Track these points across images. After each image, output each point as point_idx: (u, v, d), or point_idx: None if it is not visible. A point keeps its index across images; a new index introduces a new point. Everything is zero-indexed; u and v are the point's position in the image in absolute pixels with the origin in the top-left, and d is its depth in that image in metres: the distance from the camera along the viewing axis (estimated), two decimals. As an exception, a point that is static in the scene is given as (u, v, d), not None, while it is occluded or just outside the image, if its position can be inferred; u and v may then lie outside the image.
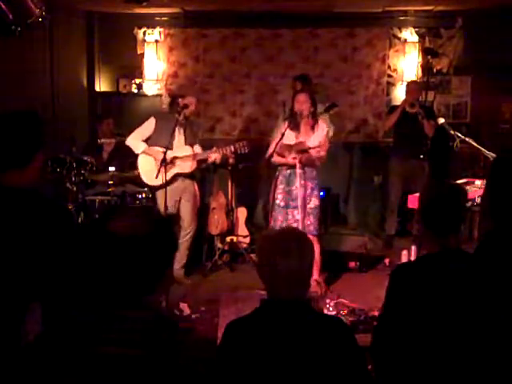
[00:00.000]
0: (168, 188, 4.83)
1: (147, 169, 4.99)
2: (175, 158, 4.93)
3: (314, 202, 4.79)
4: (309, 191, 4.77)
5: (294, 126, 4.76)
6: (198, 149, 5.12)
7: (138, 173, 5.07)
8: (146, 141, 5.04)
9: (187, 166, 4.99)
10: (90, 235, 1.39)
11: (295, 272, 1.85)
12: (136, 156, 5.07)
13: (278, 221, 4.80)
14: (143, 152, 4.99)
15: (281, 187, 4.81)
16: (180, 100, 5.01)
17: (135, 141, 5.03)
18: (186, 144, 5.01)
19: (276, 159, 4.87)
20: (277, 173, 4.88)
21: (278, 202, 4.82)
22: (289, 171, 4.75)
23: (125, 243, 1.33)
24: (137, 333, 1.29)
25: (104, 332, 1.30)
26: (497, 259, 1.82)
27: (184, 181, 5.06)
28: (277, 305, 1.87)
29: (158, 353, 1.28)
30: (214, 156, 5.06)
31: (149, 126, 5.03)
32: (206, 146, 5.19)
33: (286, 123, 4.86)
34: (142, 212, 1.46)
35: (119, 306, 1.33)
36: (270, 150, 4.83)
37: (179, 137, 4.95)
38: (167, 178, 4.82)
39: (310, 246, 1.96)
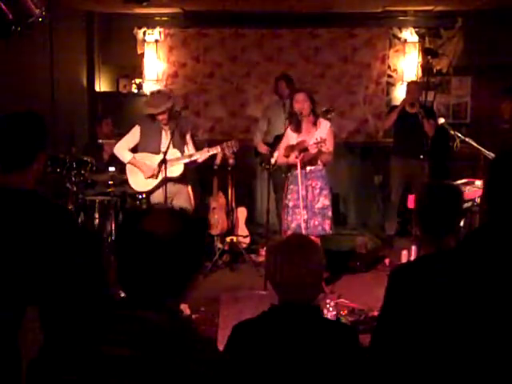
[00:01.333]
0: (159, 191, 4.80)
1: (135, 177, 4.95)
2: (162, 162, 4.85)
3: (322, 202, 4.75)
4: (317, 191, 4.75)
5: (296, 127, 4.78)
6: (189, 149, 4.99)
7: (127, 179, 5.04)
8: (135, 148, 4.97)
9: (176, 170, 4.87)
10: (123, 234, 1.38)
11: (302, 277, 1.86)
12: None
13: (286, 220, 4.82)
14: (129, 163, 4.94)
15: (290, 187, 4.84)
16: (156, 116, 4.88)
17: (122, 151, 4.95)
18: (173, 147, 4.85)
19: (280, 160, 4.90)
20: (288, 173, 4.90)
21: (287, 201, 4.84)
22: (296, 171, 4.75)
23: (158, 243, 1.32)
24: (148, 334, 1.29)
25: (115, 333, 1.29)
26: (495, 258, 1.82)
27: (175, 185, 4.91)
28: (284, 309, 1.88)
29: (169, 356, 1.27)
30: (204, 157, 4.98)
31: (134, 135, 4.94)
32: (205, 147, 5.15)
33: (287, 124, 4.90)
34: (177, 213, 1.44)
35: (140, 307, 1.32)
36: (279, 154, 4.87)
37: (166, 140, 4.82)
38: (157, 183, 4.80)
39: (317, 250, 1.96)
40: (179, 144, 4.91)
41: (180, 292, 1.40)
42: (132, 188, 5.02)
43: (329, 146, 4.68)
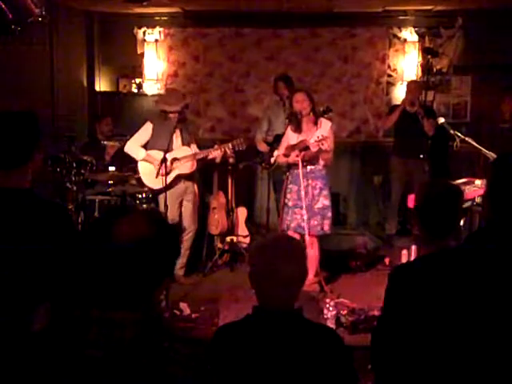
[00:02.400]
0: (170, 191, 4.83)
1: (148, 173, 5.00)
2: (175, 159, 4.91)
3: (321, 202, 4.74)
4: (317, 191, 4.74)
5: (296, 127, 4.77)
6: (194, 148, 5.10)
7: (139, 177, 5.07)
8: (145, 145, 5.03)
9: (187, 167, 4.98)
10: (93, 237, 1.37)
11: (286, 279, 1.82)
12: (136, 161, 5.08)
13: (286, 220, 4.81)
14: (143, 159, 4.99)
15: (290, 187, 4.83)
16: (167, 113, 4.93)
17: (134, 148, 5.01)
18: (183, 145, 4.99)
19: (280, 160, 4.90)
20: (287, 173, 4.89)
21: (286, 201, 4.83)
22: (297, 171, 4.74)
23: (128, 247, 1.31)
24: (125, 335, 1.28)
25: (92, 333, 1.29)
26: (497, 260, 1.81)
27: (185, 182, 5.05)
28: (268, 313, 1.84)
29: (145, 355, 1.26)
30: (215, 153, 5.04)
31: (146, 131, 5.01)
32: (207, 146, 5.18)
33: (287, 124, 4.91)
34: (147, 215, 1.43)
35: (113, 307, 1.31)
36: (278, 154, 4.88)
37: (176, 138, 4.93)
38: (169, 181, 4.82)
39: (302, 253, 1.93)
40: (189, 142, 5.02)
41: (152, 292, 1.39)
42: (146, 185, 5.07)
43: (329, 145, 4.67)
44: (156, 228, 1.36)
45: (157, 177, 4.86)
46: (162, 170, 4.69)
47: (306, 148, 4.63)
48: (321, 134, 4.61)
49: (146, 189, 5.23)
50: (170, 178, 4.86)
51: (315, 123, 4.75)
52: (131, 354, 1.26)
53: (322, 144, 4.54)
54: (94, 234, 1.37)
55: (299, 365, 1.76)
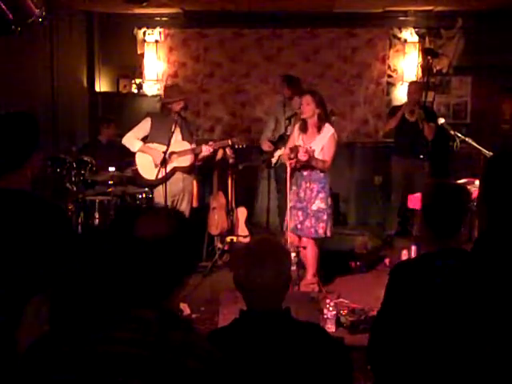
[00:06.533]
0: (167, 184, 4.84)
1: (145, 164, 5.02)
2: (173, 153, 4.91)
3: (317, 205, 4.71)
4: (314, 193, 4.73)
5: (302, 127, 4.77)
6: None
7: (136, 169, 5.08)
8: (143, 140, 5.05)
9: (185, 160, 4.99)
10: (114, 235, 1.38)
11: (269, 283, 1.81)
12: (132, 155, 5.10)
13: (286, 221, 4.83)
14: (139, 150, 5.01)
15: (293, 188, 4.83)
16: (171, 106, 4.96)
17: (131, 140, 5.04)
18: (183, 140, 5.02)
19: (285, 159, 4.94)
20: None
21: (289, 202, 4.83)
22: (297, 172, 4.75)
23: (148, 245, 1.32)
24: (146, 332, 1.29)
25: (113, 331, 1.29)
26: (494, 258, 1.82)
27: (184, 181, 5.05)
28: (255, 316, 1.84)
29: (166, 353, 1.27)
30: (212, 148, 5.04)
31: (144, 126, 5.04)
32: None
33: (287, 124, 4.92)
34: (167, 214, 1.44)
35: (132, 306, 1.32)
36: (285, 152, 4.89)
37: (176, 133, 4.94)
38: (164, 174, 4.84)
39: (286, 257, 1.94)
40: (188, 139, 5.05)
41: (172, 291, 1.40)
42: (141, 176, 5.07)
43: (325, 155, 4.65)
44: (176, 226, 1.37)
45: (156, 177, 4.86)
46: (169, 164, 4.75)
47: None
48: (321, 141, 4.62)
49: (146, 188, 5.24)
50: (166, 170, 4.87)
51: (319, 129, 4.70)
52: (155, 350, 1.27)
53: (307, 155, 4.48)
54: (114, 233, 1.38)
55: (289, 364, 1.76)
